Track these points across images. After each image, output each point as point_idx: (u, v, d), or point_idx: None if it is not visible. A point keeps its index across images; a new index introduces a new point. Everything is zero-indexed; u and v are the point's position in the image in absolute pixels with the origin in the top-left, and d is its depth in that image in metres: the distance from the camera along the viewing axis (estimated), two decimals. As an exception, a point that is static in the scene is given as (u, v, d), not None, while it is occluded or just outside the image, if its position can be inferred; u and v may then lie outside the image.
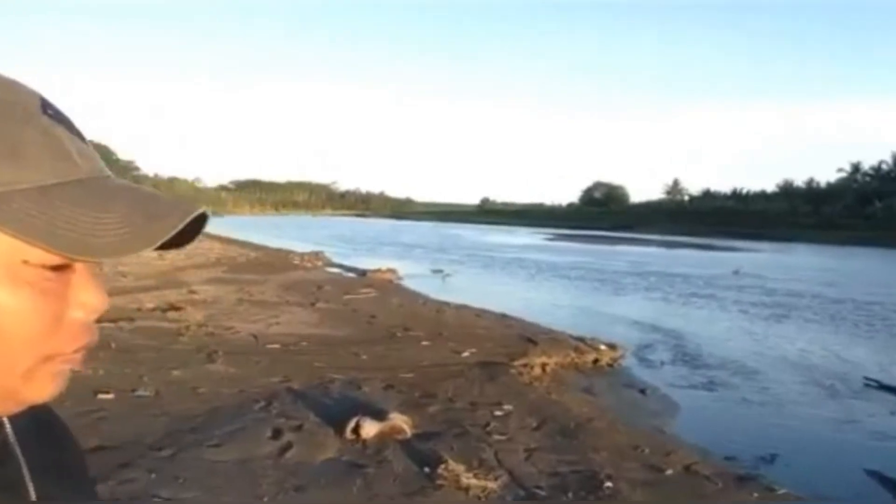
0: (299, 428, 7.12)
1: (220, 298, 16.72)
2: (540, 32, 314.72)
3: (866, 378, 12.97)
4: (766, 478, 7.29)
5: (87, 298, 0.58)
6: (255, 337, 11.92)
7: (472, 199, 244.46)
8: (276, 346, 11.48)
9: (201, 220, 0.60)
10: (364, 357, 11.06)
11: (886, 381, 12.68)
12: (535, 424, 8.13)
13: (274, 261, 30.92)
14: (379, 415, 7.33)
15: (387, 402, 8.26)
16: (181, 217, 0.56)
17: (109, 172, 0.60)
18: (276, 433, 6.92)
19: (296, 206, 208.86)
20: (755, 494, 6.60)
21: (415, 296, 20.36)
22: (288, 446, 6.58)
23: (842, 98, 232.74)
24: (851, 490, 7.50)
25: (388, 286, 22.94)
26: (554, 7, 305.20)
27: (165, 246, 0.58)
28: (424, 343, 12.72)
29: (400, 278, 26.29)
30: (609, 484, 6.43)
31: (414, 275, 28.35)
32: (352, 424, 7.00)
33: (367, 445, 6.78)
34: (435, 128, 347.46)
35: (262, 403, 7.89)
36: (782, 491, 6.74)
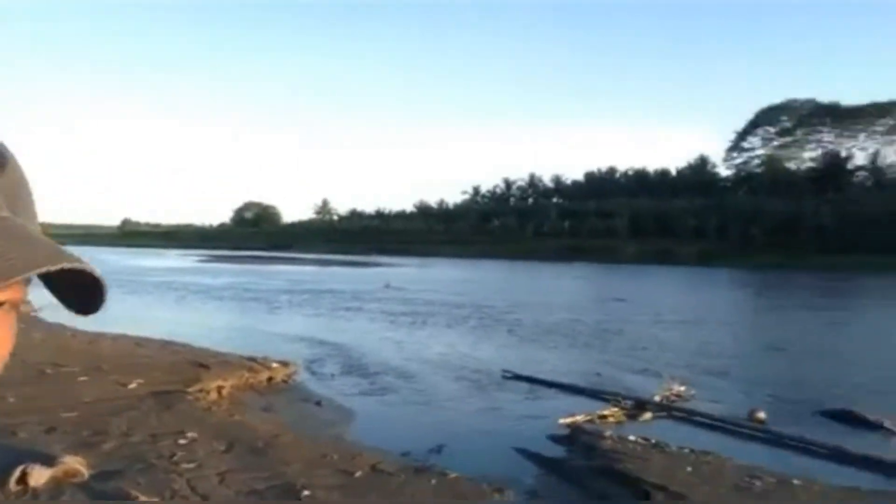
0: (-54, 488, 6.08)
1: None
2: (183, 47, 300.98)
3: (504, 370, 15.13)
4: (439, 466, 8.22)
5: None
6: None
7: (112, 220, 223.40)
8: None
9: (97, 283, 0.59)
10: (12, 400, 9.68)
11: (519, 371, 14.95)
12: (222, 448, 8.02)
13: None
14: (47, 460, 6.59)
15: (52, 445, 7.43)
16: (32, 267, 0.53)
17: (6, 213, 0.59)
18: (-83, 498, 5.83)
19: None
20: (433, 481, 7.41)
21: (59, 328, 18.20)
22: (-64, 510, 5.61)
23: (460, 125, 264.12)
24: (505, 466, 8.81)
25: (22, 318, 20.07)
26: (205, 24, 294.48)
27: (80, 311, 0.60)
28: (82, 378, 11.56)
29: (35, 309, 23.14)
30: (307, 492, 6.70)
31: (52, 304, 25.10)
32: (16, 475, 6.19)
33: (39, 494, 6.08)
34: (63, 142, 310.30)
35: None
36: (454, 475, 7.67)
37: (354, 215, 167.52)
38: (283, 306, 30.46)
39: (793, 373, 16.90)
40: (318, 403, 12.30)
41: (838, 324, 30.03)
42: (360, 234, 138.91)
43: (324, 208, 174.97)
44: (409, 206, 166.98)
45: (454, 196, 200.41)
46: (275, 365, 14.10)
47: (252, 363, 13.92)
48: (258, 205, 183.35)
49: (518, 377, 14.55)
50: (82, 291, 0.61)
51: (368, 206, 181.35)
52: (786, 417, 11.64)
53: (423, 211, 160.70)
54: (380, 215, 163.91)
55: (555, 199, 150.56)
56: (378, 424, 11.07)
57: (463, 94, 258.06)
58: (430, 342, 20.82)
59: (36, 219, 0.68)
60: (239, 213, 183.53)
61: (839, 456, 9.40)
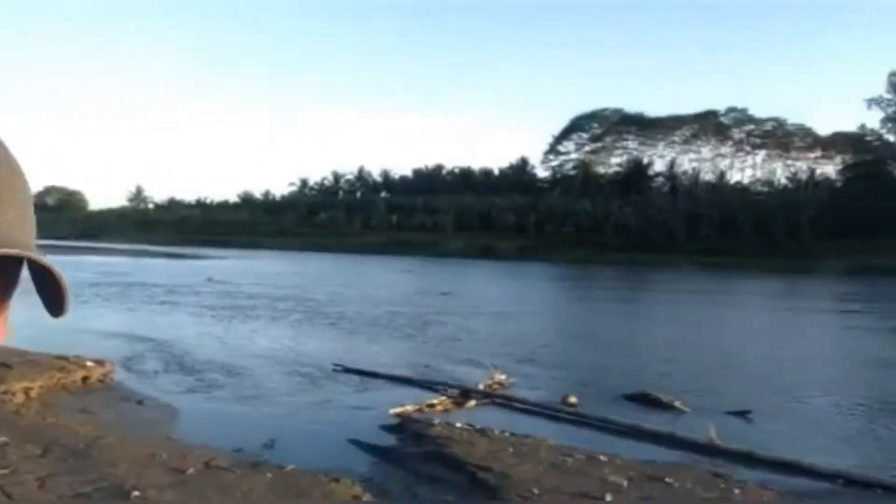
0: None
1: None
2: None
3: (334, 364, 15.27)
4: (274, 460, 8.26)
5: None
6: None
7: None
8: None
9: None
10: None
11: (348, 364, 15.16)
12: (38, 452, 7.56)
13: None
14: None
15: None
16: None
17: None
18: None
19: None
20: (269, 475, 7.47)
21: None
22: None
23: (288, 114, 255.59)
24: (339, 457, 9.02)
25: None
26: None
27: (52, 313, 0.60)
28: None
29: None
30: (137, 493, 6.52)
31: None
32: None
33: None
34: None
35: None
36: (290, 468, 7.77)
37: (172, 204, 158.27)
38: (91, 300, 28.39)
39: (598, 359, 18.53)
40: (141, 402, 11.79)
41: (636, 315, 33.14)
42: (178, 224, 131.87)
43: (137, 196, 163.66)
44: (232, 197, 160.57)
45: (281, 188, 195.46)
46: (89, 364, 13.30)
47: (63, 362, 13.04)
48: (61, 189, 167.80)
49: (348, 370, 14.77)
50: (52, 292, 0.62)
51: (188, 195, 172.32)
52: (593, 400, 12.80)
53: (248, 202, 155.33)
54: (201, 205, 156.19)
55: (383, 194, 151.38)
56: (207, 422, 10.82)
57: (291, 83, 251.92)
58: (256, 337, 20.49)
59: (26, 211, 0.63)
60: (38, 197, 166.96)
61: (639, 433, 10.56)
